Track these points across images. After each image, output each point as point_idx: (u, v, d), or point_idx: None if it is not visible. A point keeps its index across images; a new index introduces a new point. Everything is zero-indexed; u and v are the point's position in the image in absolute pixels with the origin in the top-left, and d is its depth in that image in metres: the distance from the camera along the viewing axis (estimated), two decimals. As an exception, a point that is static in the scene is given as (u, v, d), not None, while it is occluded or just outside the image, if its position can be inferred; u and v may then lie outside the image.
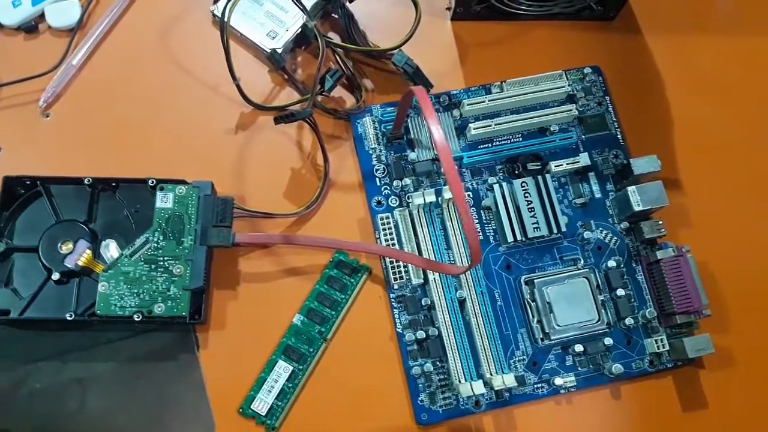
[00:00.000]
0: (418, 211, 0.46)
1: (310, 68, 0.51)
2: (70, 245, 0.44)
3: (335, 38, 0.50)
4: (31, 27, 0.50)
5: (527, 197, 0.46)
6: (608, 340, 0.45)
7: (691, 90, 0.51)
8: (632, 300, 0.46)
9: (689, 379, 0.46)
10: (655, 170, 0.46)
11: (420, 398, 0.44)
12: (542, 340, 0.45)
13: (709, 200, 0.49)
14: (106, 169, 0.46)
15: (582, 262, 0.47)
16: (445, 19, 0.53)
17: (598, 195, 0.48)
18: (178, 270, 0.43)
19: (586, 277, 0.46)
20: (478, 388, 0.42)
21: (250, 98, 0.48)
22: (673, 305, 0.44)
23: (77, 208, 0.45)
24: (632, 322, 0.45)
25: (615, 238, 0.47)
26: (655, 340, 0.45)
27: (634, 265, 0.47)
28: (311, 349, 0.45)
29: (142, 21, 0.51)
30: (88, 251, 0.44)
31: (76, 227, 0.45)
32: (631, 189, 0.45)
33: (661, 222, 0.46)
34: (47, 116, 0.49)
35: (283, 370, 0.44)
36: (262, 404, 0.43)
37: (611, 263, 0.46)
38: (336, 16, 0.51)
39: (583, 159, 0.47)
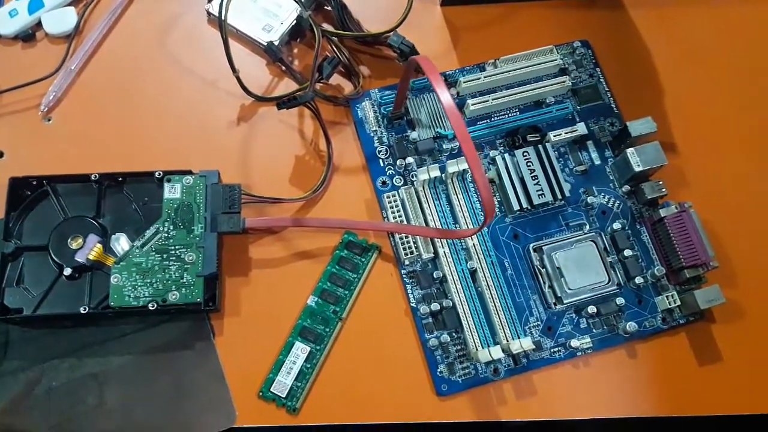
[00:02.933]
0: (424, 188, 0.47)
1: (306, 59, 0.52)
2: (80, 240, 0.44)
3: (330, 28, 0.52)
4: (29, 35, 0.51)
5: (530, 166, 0.47)
6: (620, 300, 0.45)
7: (677, 58, 0.53)
8: (640, 260, 0.47)
9: (702, 334, 0.46)
10: (652, 131, 0.47)
11: (439, 369, 0.44)
12: (555, 304, 0.45)
13: (705, 161, 0.50)
14: (110, 168, 0.46)
15: (587, 226, 0.47)
16: (435, 4, 0.54)
17: (597, 162, 0.49)
18: (190, 257, 0.44)
19: (593, 241, 0.46)
20: (496, 352, 0.43)
21: (249, 90, 0.49)
22: (681, 260, 0.45)
23: (85, 205, 0.45)
24: (642, 281, 0.46)
25: (617, 201, 0.48)
26: (666, 297, 0.45)
27: (638, 226, 0.48)
28: (327, 329, 0.45)
29: (139, 23, 0.52)
30: (99, 245, 0.44)
31: (85, 223, 0.45)
32: (630, 151, 0.46)
33: (661, 182, 0.47)
34: (49, 120, 0.49)
35: (300, 351, 0.44)
36: (281, 386, 0.43)
37: (616, 225, 0.47)
38: (329, 8, 0.52)
39: (581, 128, 0.49)
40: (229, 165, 0.48)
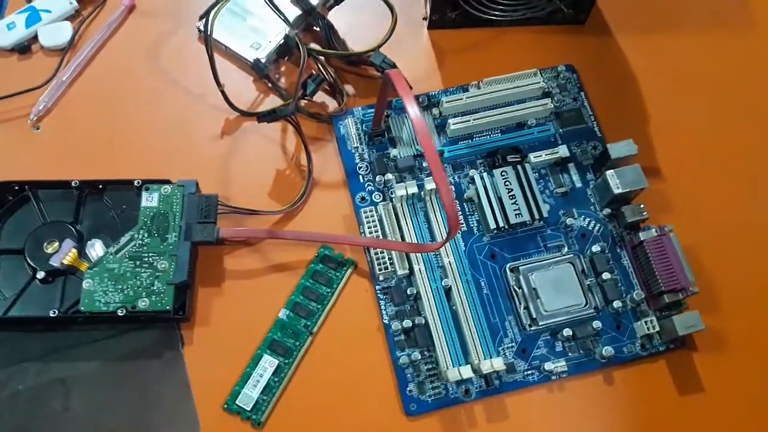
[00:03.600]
0: (402, 204, 0.47)
1: (293, 77, 0.53)
2: (56, 245, 0.44)
3: (317, 48, 0.52)
4: (25, 47, 0.53)
5: (508, 185, 0.47)
6: (597, 324, 0.44)
7: (663, 84, 0.53)
8: (619, 284, 0.46)
9: (683, 362, 0.45)
10: (632, 154, 0.46)
11: (408, 388, 0.43)
12: (530, 326, 0.45)
13: (689, 186, 0.49)
14: (95, 177, 0.47)
15: (566, 248, 0.47)
16: (423, 28, 0.55)
17: (578, 185, 0.49)
18: (162, 265, 0.44)
19: (570, 263, 0.46)
20: (466, 372, 0.42)
21: (234, 104, 0.50)
22: (660, 284, 0.44)
23: (65, 211, 0.46)
24: (620, 305, 0.45)
25: (598, 225, 0.48)
26: (645, 322, 0.44)
27: (618, 250, 0.47)
28: (297, 343, 0.44)
29: (132, 39, 0.54)
30: (74, 250, 0.44)
31: (63, 228, 0.45)
32: (609, 173, 0.46)
33: (642, 206, 0.46)
34: (38, 129, 0.50)
35: (268, 364, 0.44)
36: (247, 399, 0.43)
37: (595, 248, 0.46)
38: (317, 29, 0.53)
39: (562, 150, 0.48)
40: (210, 177, 0.49)
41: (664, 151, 0.50)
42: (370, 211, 0.47)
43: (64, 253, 0.44)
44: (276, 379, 0.43)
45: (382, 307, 0.45)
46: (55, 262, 0.44)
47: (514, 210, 0.46)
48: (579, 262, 0.46)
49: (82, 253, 0.45)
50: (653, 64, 0.53)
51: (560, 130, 0.50)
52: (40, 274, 0.44)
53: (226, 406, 0.43)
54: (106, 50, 0.53)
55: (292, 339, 0.44)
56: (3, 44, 0.52)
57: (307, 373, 0.44)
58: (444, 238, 0.46)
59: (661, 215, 0.48)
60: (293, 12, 0.52)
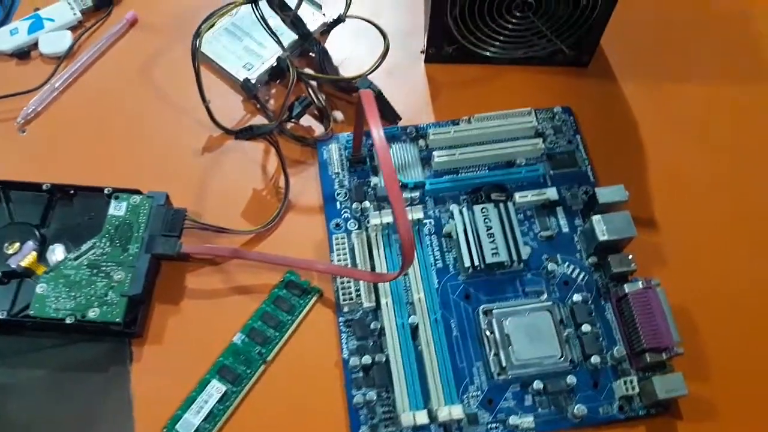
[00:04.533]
0: (376, 234, 0.45)
1: (283, 100, 0.52)
2: (17, 246, 0.43)
3: (311, 73, 0.52)
4: (24, 53, 0.53)
5: (487, 223, 0.44)
6: (571, 379, 0.41)
7: (664, 133, 0.50)
8: (600, 338, 0.43)
9: (665, 431, 0.41)
10: (622, 200, 0.44)
11: (360, 431, 0.40)
12: (499, 374, 0.41)
13: (685, 241, 0.46)
14: (71, 183, 0.46)
15: (546, 295, 0.44)
16: (420, 61, 0.54)
17: (565, 229, 0.46)
18: (118, 276, 0.42)
19: (549, 310, 0.43)
20: (422, 418, 0.39)
21: (218, 121, 0.49)
22: (642, 341, 0.40)
23: (33, 213, 0.45)
24: (599, 361, 0.41)
25: (583, 273, 0.45)
26: (625, 382, 0.41)
27: (603, 302, 0.44)
28: (248, 371, 0.42)
29: (129, 52, 0.54)
30: (34, 252, 0.43)
31: (27, 230, 0.44)
32: (596, 218, 0.43)
33: (631, 256, 0.43)
34: (23, 132, 0.50)
35: (215, 390, 0.41)
36: (187, 425, 0.40)
37: (577, 297, 0.43)
38: (313, 55, 0.52)
39: (551, 193, 0.46)
40: (186, 191, 0.47)
41: (661, 203, 0.48)
42: (342, 238, 0.45)
43: (23, 255, 0.43)
44: (221, 407, 0.41)
45: (344, 340, 0.43)
46: (12, 264, 0.43)
47: (492, 249, 0.43)
48: (558, 311, 0.43)
49: (42, 257, 0.43)
50: (656, 112, 0.51)
51: (551, 171, 0.48)
52: (-4, 274, 0.43)
53: (165, 430, 0.40)
54: (103, 61, 0.54)
55: (244, 366, 0.42)
56: (3, 49, 0.53)
57: (255, 403, 0.41)
58: (425, 275, 0.44)
59: (653, 269, 0.45)
60: (290, 36, 0.51)
